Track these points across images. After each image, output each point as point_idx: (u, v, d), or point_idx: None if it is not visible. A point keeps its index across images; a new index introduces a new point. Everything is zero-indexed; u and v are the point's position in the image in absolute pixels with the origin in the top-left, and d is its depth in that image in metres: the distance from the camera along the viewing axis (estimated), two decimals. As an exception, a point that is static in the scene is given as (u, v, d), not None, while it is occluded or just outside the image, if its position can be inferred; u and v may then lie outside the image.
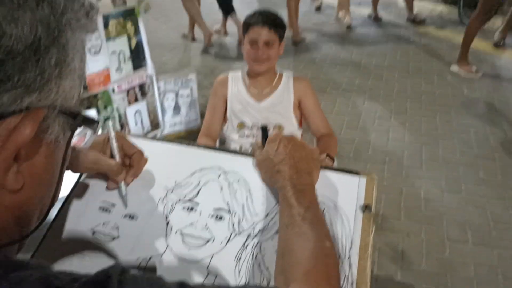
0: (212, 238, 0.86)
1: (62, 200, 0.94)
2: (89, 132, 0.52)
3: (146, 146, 0.99)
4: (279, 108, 1.90)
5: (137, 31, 2.91)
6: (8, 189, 0.42)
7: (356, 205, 0.89)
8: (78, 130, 0.50)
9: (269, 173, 0.89)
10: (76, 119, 0.46)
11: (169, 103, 3.31)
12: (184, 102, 3.38)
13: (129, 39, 2.87)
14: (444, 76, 4.35)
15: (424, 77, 4.35)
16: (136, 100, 3.07)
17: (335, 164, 1.76)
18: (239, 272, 0.82)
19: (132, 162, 0.92)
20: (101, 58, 2.72)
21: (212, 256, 0.84)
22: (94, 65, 2.70)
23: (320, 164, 0.93)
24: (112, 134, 0.89)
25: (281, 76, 1.94)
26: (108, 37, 2.72)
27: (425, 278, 2.20)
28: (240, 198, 0.91)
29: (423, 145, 3.27)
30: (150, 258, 0.85)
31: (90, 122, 0.50)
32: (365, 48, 5.12)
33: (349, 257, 0.81)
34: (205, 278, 0.81)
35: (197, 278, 0.81)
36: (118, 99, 2.94)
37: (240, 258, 0.83)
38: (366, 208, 0.89)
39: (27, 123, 0.40)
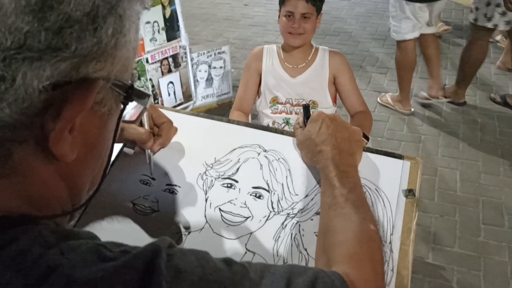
0: (250, 216, 0.86)
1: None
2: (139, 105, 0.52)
3: (186, 120, 0.98)
4: (314, 83, 1.86)
5: (171, 1, 2.88)
6: (62, 159, 0.42)
7: (399, 189, 0.87)
8: (130, 104, 0.50)
9: (310, 153, 0.88)
10: (129, 93, 0.46)
11: (202, 74, 3.29)
12: (216, 74, 3.36)
13: (164, 8, 2.85)
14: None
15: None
16: (169, 71, 3.07)
17: (369, 143, 1.71)
18: (277, 252, 0.81)
19: (161, 131, 0.91)
20: (136, 28, 2.72)
21: (250, 234, 0.83)
22: (128, 35, 2.71)
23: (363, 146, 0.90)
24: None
25: (317, 50, 1.89)
26: (143, 7, 2.71)
27: (457, 261, 2.16)
28: (280, 177, 0.90)
29: (461, 124, 3.17)
30: (189, 233, 0.85)
31: (142, 96, 0.49)
32: (403, 21, 4.95)
33: (390, 242, 0.80)
34: (243, 256, 0.81)
35: (235, 256, 0.80)
36: (151, 70, 2.95)
37: (278, 238, 0.83)
38: (409, 192, 0.86)
39: (83, 94, 0.39)
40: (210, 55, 3.27)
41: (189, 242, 0.84)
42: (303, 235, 0.83)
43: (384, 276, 0.70)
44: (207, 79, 3.33)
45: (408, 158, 0.92)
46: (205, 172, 0.92)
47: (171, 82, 3.13)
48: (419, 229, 2.33)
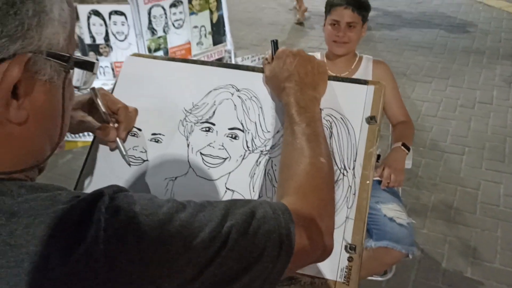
0: (228, 157, 0.91)
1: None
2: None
3: (164, 66, 1.04)
4: (356, 92, 1.87)
5: (219, 6, 2.95)
6: (13, 122, 0.50)
7: (363, 116, 0.90)
8: (77, 72, 0.59)
9: (276, 90, 0.91)
10: (68, 62, 0.54)
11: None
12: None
13: (211, 13, 2.93)
14: (538, 65, 4.04)
15: (515, 65, 4.06)
16: (214, 74, 3.15)
17: (410, 154, 1.71)
18: (253, 188, 0.88)
19: (119, 117, 0.92)
20: (183, 32, 2.81)
21: (229, 174, 0.90)
22: (176, 38, 2.80)
23: (328, 76, 0.93)
24: (97, 93, 0.89)
25: (360, 59, 1.90)
26: (192, 12, 2.79)
27: (497, 276, 2.11)
28: (253, 116, 0.94)
29: (507, 138, 3.08)
30: (175, 178, 0.91)
31: (86, 64, 0.58)
32: (452, 30, 4.85)
33: (353, 168, 0.85)
34: (224, 194, 0.88)
35: (217, 195, 0.88)
36: (197, 73, 3.03)
37: (254, 175, 0.89)
38: (372, 119, 0.89)
39: (14, 66, 0.47)
40: (254, 60, 3.33)
41: (176, 186, 0.91)
42: (275, 170, 0.88)
43: (333, 203, 0.74)
44: (250, 83, 3.39)
45: (372, 82, 0.94)
46: (185, 118, 0.97)
47: (215, 85, 3.20)
48: (458, 242, 2.29)
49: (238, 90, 0.97)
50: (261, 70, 0.98)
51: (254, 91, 0.97)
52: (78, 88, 0.62)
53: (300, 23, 5.14)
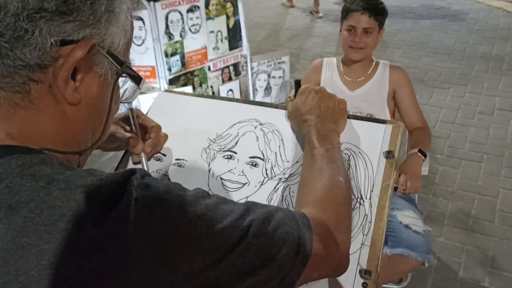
0: (247, 182, 0.95)
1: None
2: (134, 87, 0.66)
3: (192, 101, 1.10)
4: (372, 98, 1.86)
5: (235, 11, 2.97)
6: (68, 100, 0.55)
7: (380, 151, 0.94)
8: (126, 82, 0.65)
9: (297, 122, 0.95)
10: (122, 66, 0.59)
11: (261, 83, 3.35)
12: (275, 84, 3.41)
13: (228, 18, 2.94)
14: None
15: (536, 71, 3.99)
16: (229, 79, 3.16)
17: (427, 160, 1.69)
18: None
19: (150, 133, 0.98)
20: (200, 37, 2.82)
21: (246, 198, 0.93)
22: (193, 43, 2.81)
23: (348, 114, 0.97)
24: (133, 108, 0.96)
25: (377, 65, 1.89)
26: (208, 17, 2.81)
27: (515, 288, 2.06)
28: (273, 147, 0.99)
29: (528, 146, 3.03)
30: None
31: (134, 76, 0.63)
32: (471, 35, 4.79)
33: (370, 198, 0.89)
34: None
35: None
36: (212, 77, 3.04)
37: (271, 200, 0.92)
38: (389, 154, 0.93)
39: (80, 47, 0.52)
40: (270, 65, 3.33)
41: None
42: (292, 196, 0.92)
43: (350, 220, 0.77)
44: (265, 88, 3.39)
45: (390, 122, 0.98)
46: (208, 147, 1.02)
47: (231, 90, 3.21)
48: (476, 251, 2.25)
49: (261, 124, 1.03)
50: (283, 108, 1.04)
51: (276, 125, 1.02)
52: (122, 101, 0.68)
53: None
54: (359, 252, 0.83)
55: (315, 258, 0.62)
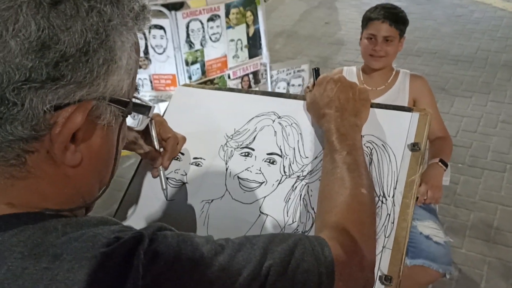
0: (265, 181, 0.93)
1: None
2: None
3: (210, 95, 1.09)
4: (393, 106, 1.85)
5: (255, 20, 2.99)
6: (68, 164, 0.51)
7: (405, 143, 0.87)
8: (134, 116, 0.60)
9: (316, 116, 0.91)
10: (127, 107, 0.54)
11: (280, 91, 3.37)
12: (294, 92, 3.41)
13: (248, 27, 2.97)
14: None
15: (561, 80, 3.91)
16: (249, 87, 3.17)
17: (448, 170, 1.67)
18: (287, 212, 0.88)
19: (166, 146, 0.95)
20: (220, 45, 2.85)
21: (264, 198, 0.91)
22: (213, 51, 2.84)
23: (371, 103, 0.91)
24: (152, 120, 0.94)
25: (397, 73, 1.88)
26: (228, 26, 2.84)
27: (540, 302, 2.02)
28: (292, 142, 0.95)
29: (552, 156, 2.96)
30: (211, 201, 0.94)
31: (141, 109, 0.60)
32: (493, 43, 4.72)
33: (393, 196, 0.82)
34: (258, 218, 0.89)
35: (250, 218, 0.89)
36: (232, 85, 3.06)
37: (289, 200, 0.89)
38: (415, 146, 0.85)
39: (78, 113, 0.48)
40: (289, 73, 3.33)
41: (212, 208, 0.93)
42: (311, 195, 0.88)
43: (374, 238, 0.73)
44: (285, 96, 3.39)
45: (417, 109, 0.91)
46: (226, 144, 1.00)
47: (250, 98, 3.23)
48: (498, 263, 2.20)
49: (279, 117, 0.99)
50: (303, 98, 0.99)
51: (295, 117, 0.98)
52: (132, 129, 0.65)
53: None
54: (380, 256, 0.78)
55: None
